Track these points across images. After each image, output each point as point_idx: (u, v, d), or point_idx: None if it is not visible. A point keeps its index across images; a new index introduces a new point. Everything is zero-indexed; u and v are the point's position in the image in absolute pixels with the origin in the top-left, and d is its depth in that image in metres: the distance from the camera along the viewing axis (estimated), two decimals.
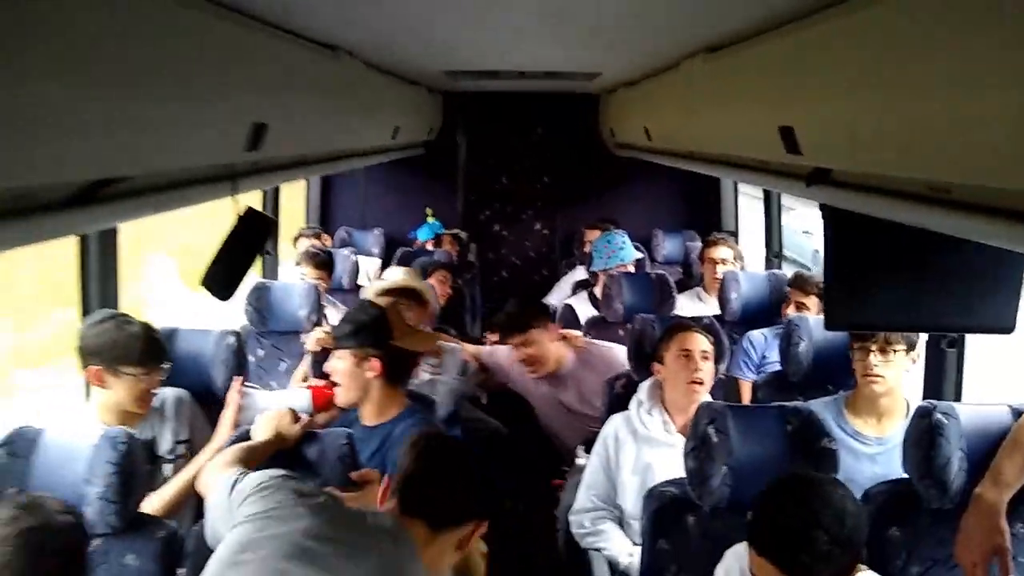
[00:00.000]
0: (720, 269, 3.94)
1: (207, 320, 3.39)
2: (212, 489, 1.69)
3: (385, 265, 5.07)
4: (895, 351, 2.31)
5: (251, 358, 3.30)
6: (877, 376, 2.32)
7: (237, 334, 2.69)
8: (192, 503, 2.21)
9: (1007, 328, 1.65)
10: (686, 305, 3.97)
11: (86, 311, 2.50)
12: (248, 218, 1.86)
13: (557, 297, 4.64)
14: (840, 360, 2.52)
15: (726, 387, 2.98)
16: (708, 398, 2.44)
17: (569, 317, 3.96)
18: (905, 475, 1.97)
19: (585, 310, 3.96)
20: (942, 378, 2.39)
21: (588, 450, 2.63)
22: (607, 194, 5.42)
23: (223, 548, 1.44)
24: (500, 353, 3.37)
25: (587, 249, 4.55)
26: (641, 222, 5.25)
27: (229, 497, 1.56)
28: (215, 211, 2.06)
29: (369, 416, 2.23)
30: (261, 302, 3.45)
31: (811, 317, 2.87)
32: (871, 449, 2.37)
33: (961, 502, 1.82)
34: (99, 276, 2.51)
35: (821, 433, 1.99)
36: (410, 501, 1.52)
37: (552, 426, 3.24)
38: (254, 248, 1.95)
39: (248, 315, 3.45)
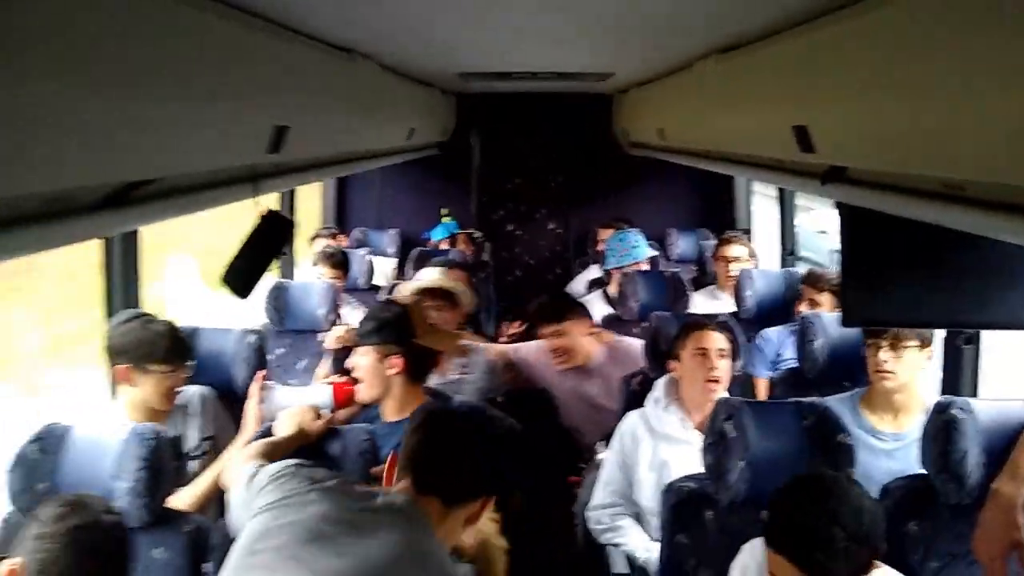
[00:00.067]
0: (734, 267, 3.95)
1: (222, 319, 3.44)
2: (234, 483, 1.72)
3: (400, 265, 5.11)
4: (906, 347, 2.32)
5: (270, 356, 3.34)
6: (888, 372, 2.33)
7: (258, 332, 2.73)
8: (218, 498, 2.25)
9: (1023, 324, 1.65)
10: (701, 303, 3.98)
11: (110, 311, 2.55)
12: (268, 219, 1.89)
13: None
14: (856, 357, 2.52)
15: (742, 384, 2.99)
16: (725, 395, 2.46)
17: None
18: (922, 471, 1.98)
19: (599, 308, 3.97)
20: (959, 375, 2.39)
21: (608, 445, 2.65)
22: (620, 193, 5.43)
23: (242, 539, 1.45)
24: (526, 349, 3.40)
25: (601, 248, 4.57)
26: (655, 221, 5.25)
27: (247, 490, 1.59)
28: (232, 214, 2.10)
29: (390, 412, 2.26)
30: (279, 301, 3.49)
31: (826, 314, 2.88)
32: (887, 445, 2.37)
33: (979, 497, 1.82)
34: (122, 276, 2.56)
35: (837, 429, 2.00)
36: (424, 478, 1.51)
37: (573, 421, 3.26)
38: (273, 249, 1.98)
39: (267, 314, 3.49)
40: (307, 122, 1.83)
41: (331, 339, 3.14)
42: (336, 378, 2.29)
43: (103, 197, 1.18)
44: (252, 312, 3.63)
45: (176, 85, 1.16)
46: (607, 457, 2.60)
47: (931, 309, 1.68)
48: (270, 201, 1.94)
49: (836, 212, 1.74)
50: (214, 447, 2.42)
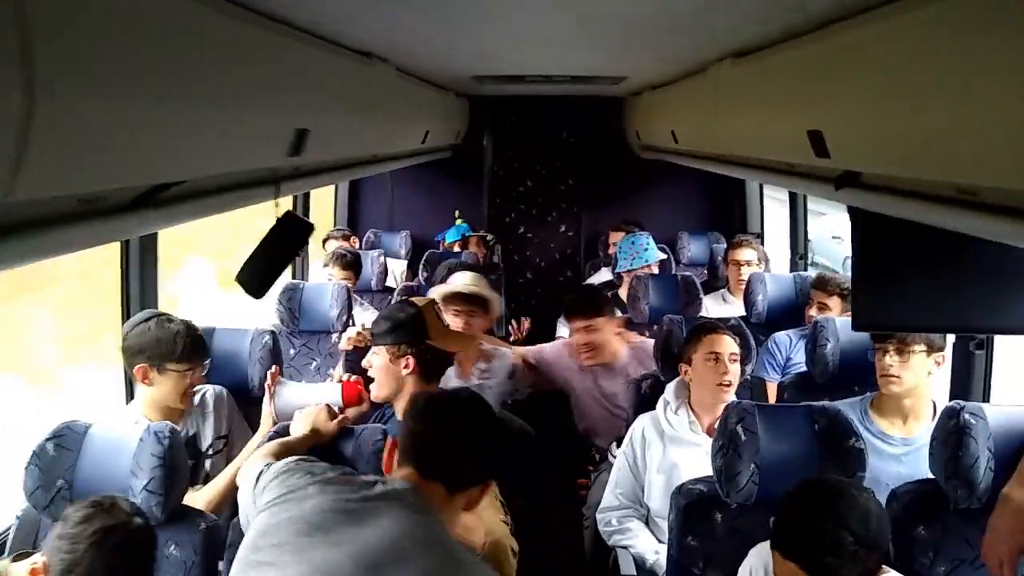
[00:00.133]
0: (745, 271, 3.96)
1: (234, 319, 3.46)
2: (243, 483, 1.73)
3: (412, 267, 5.13)
4: (912, 352, 2.32)
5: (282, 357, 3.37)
6: (893, 376, 2.34)
7: (273, 333, 2.76)
8: (233, 497, 2.27)
9: None
10: (711, 307, 3.99)
11: (127, 310, 2.59)
12: (286, 221, 1.91)
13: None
14: (866, 361, 2.53)
15: (752, 388, 3.00)
16: (734, 398, 2.47)
17: None
18: (931, 475, 1.99)
19: None
20: (970, 379, 2.39)
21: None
22: (632, 196, 5.44)
23: (248, 537, 1.47)
24: (547, 350, 3.42)
25: (612, 251, 4.59)
26: (666, 224, 5.26)
27: (254, 488, 1.60)
28: (245, 216, 2.12)
29: (403, 411, 2.28)
30: (293, 302, 3.52)
31: (837, 318, 2.88)
32: (897, 449, 2.38)
33: (988, 502, 1.83)
34: (140, 277, 2.59)
35: (848, 433, 2.01)
36: (428, 464, 1.51)
37: (589, 421, 3.27)
38: (291, 250, 2.00)
39: (280, 315, 3.52)
40: (327, 125, 1.85)
41: (344, 340, 3.17)
42: (346, 377, 2.30)
43: (132, 199, 1.20)
44: (264, 313, 3.66)
45: (203, 90, 1.19)
46: (617, 459, 2.62)
47: (943, 313, 1.68)
48: (284, 203, 1.96)
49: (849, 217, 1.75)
50: (228, 446, 2.45)
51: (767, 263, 4.23)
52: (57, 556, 1.51)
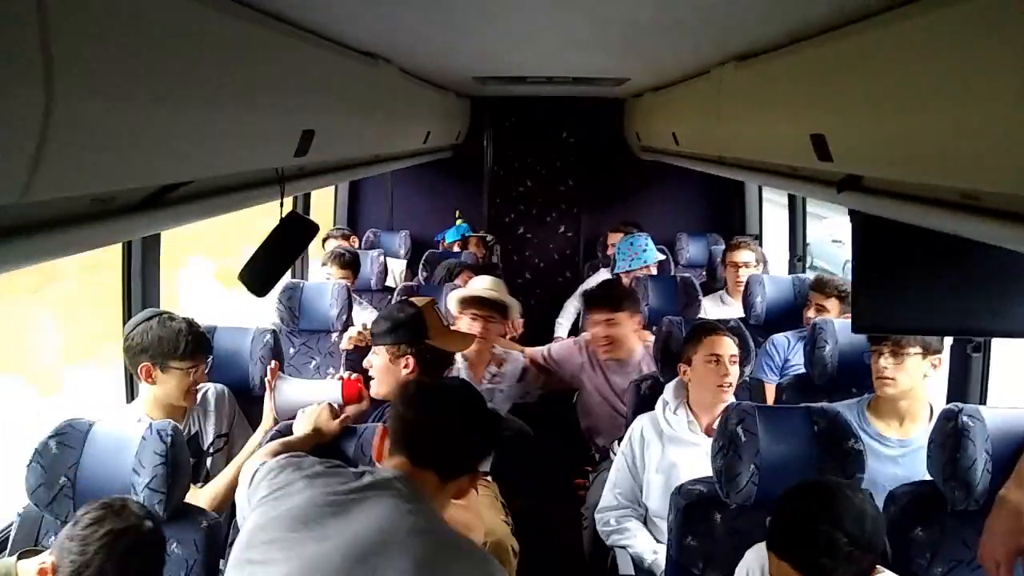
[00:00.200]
0: (743, 272, 3.97)
1: (233, 318, 3.46)
2: (241, 482, 1.73)
3: (411, 266, 5.14)
4: (907, 355, 2.34)
5: None
6: (888, 379, 2.36)
7: (274, 332, 2.77)
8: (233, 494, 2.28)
9: None
10: (710, 308, 4.01)
11: (128, 309, 2.59)
12: (291, 221, 1.93)
13: (581, 300, 4.67)
14: (863, 363, 2.54)
15: (751, 389, 3.02)
16: (733, 399, 2.49)
17: None
18: (927, 477, 2.00)
19: None
20: (967, 382, 2.41)
21: None
22: (631, 197, 5.45)
23: (240, 535, 1.48)
24: (556, 349, 3.43)
25: (611, 252, 4.60)
26: (665, 225, 5.27)
27: (249, 487, 1.61)
28: (245, 216, 2.12)
29: (393, 399, 2.28)
30: (292, 301, 3.52)
31: (835, 320, 2.90)
32: (893, 451, 2.40)
33: (985, 504, 1.84)
34: (141, 276, 2.60)
35: (848, 434, 2.02)
36: (421, 452, 1.51)
37: (592, 418, 3.28)
38: (294, 250, 2.02)
39: (280, 314, 3.53)
40: (332, 126, 1.86)
41: (345, 340, 3.18)
42: (345, 374, 2.31)
43: (142, 199, 1.21)
44: (264, 312, 3.67)
45: (213, 92, 1.20)
46: (616, 459, 2.63)
47: (942, 316, 1.70)
48: (285, 202, 1.97)
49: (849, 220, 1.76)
50: (229, 444, 2.45)
51: (765, 264, 4.25)
52: (67, 558, 1.51)
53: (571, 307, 4.75)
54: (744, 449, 2.00)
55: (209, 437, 2.41)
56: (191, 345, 2.23)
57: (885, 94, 1.27)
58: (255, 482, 1.57)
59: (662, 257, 4.35)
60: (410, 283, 4.32)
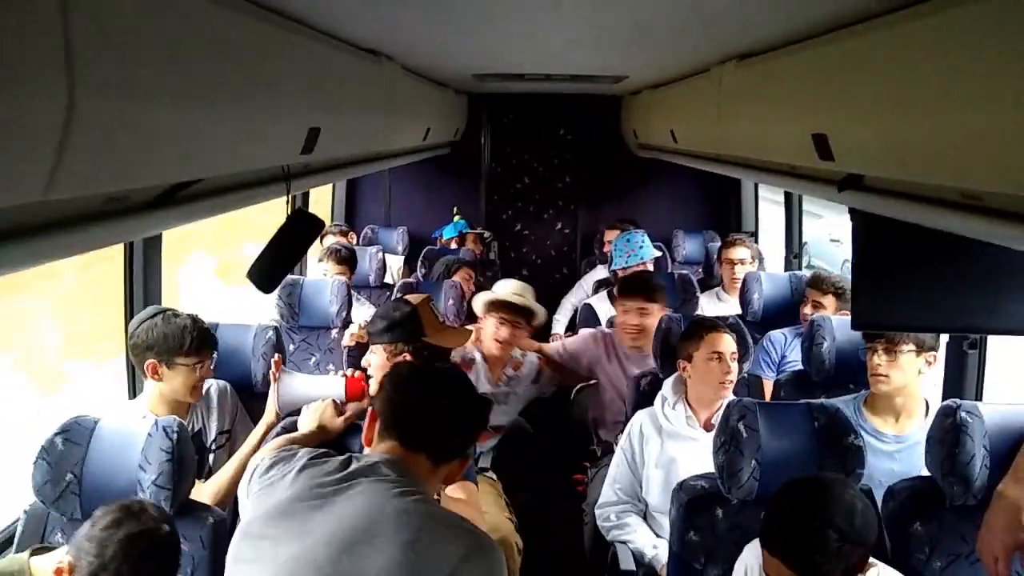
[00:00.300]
0: (738, 269, 4.00)
1: (232, 314, 3.47)
2: (243, 479, 1.74)
3: (409, 263, 5.15)
4: (901, 352, 2.36)
5: None
6: (882, 376, 2.39)
7: (276, 328, 2.78)
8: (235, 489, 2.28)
9: None
10: (707, 305, 4.03)
11: (130, 306, 2.59)
12: (297, 218, 1.93)
13: (579, 296, 4.70)
14: (860, 360, 2.56)
15: (749, 385, 3.04)
16: (732, 396, 2.51)
17: (589, 316, 4.02)
18: (924, 472, 2.02)
19: (605, 309, 4.01)
20: (963, 379, 2.43)
21: None
22: (628, 194, 5.47)
23: (236, 531, 1.48)
24: (571, 342, 3.44)
25: (607, 249, 4.61)
26: (662, 222, 5.29)
27: (248, 485, 1.60)
28: (244, 213, 2.13)
29: (381, 383, 2.29)
30: (292, 298, 3.53)
31: (833, 317, 2.92)
32: (889, 447, 2.42)
33: (983, 499, 1.86)
34: (143, 274, 2.60)
35: (848, 430, 2.04)
36: (413, 436, 1.50)
37: (600, 409, 3.29)
38: (301, 246, 2.03)
39: (280, 310, 3.53)
40: (337, 123, 1.87)
41: (346, 337, 3.19)
42: (350, 372, 2.32)
43: (153, 197, 1.22)
44: (264, 309, 3.67)
45: (225, 90, 1.21)
46: (615, 455, 2.64)
47: (941, 314, 1.72)
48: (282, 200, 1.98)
49: (849, 219, 1.78)
50: (231, 441, 2.46)
51: (761, 261, 4.27)
52: (84, 559, 1.52)
53: (568, 303, 4.77)
54: (745, 445, 2.01)
55: (212, 433, 2.42)
56: (196, 341, 2.24)
57: (888, 94, 1.28)
58: (252, 478, 1.57)
59: (658, 254, 4.36)
60: (409, 280, 4.33)
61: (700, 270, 5.04)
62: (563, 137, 5.57)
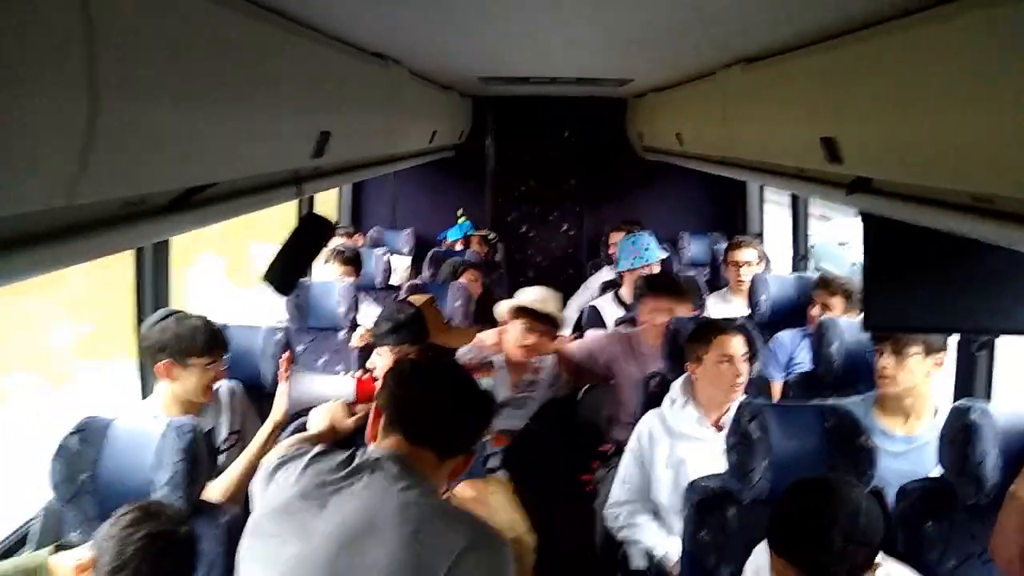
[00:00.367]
0: (744, 271, 3.99)
1: (241, 316, 3.48)
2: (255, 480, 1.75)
3: (415, 264, 5.16)
4: (908, 354, 2.36)
5: None
6: (889, 377, 2.39)
7: (286, 329, 2.79)
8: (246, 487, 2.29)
9: None
10: (713, 306, 4.03)
11: (140, 309, 2.61)
12: (309, 220, 1.95)
13: (584, 297, 4.69)
14: (869, 361, 2.56)
15: (758, 387, 3.04)
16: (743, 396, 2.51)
17: (594, 318, 4.01)
18: (934, 473, 2.02)
19: (611, 311, 4.01)
20: (972, 380, 2.43)
21: None
22: (633, 196, 5.47)
23: (246, 529, 1.49)
24: (588, 341, 3.44)
25: (612, 251, 4.61)
26: (667, 224, 5.29)
27: (259, 483, 1.60)
28: (249, 218, 2.14)
29: (385, 378, 2.29)
30: (300, 299, 3.54)
31: (842, 319, 2.92)
32: (899, 447, 2.42)
33: (996, 498, 1.86)
34: (152, 277, 2.61)
35: (859, 432, 2.04)
36: (419, 430, 1.49)
37: (615, 408, 3.28)
38: (313, 248, 2.04)
39: (288, 312, 3.55)
40: (347, 127, 1.89)
41: (356, 338, 3.20)
42: (361, 373, 2.34)
43: (169, 201, 1.24)
44: (272, 310, 3.69)
45: (238, 96, 1.22)
46: (624, 456, 2.65)
47: (952, 315, 1.72)
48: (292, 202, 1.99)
49: (858, 222, 1.78)
50: (240, 441, 2.47)
51: (767, 263, 4.27)
52: (105, 556, 1.55)
53: (574, 305, 4.76)
54: (757, 446, 2.02)
55: (223, 434, 2.43)
56: (209, 341, 2.26)
57: (897, 98, 1.28)
58: (263, 476, 1.57)
59: (664, 256, 4.36)
60: (416, 281, 4.34)
61: (707, 272, 5.03)
62: (568, 139, 5.57)
